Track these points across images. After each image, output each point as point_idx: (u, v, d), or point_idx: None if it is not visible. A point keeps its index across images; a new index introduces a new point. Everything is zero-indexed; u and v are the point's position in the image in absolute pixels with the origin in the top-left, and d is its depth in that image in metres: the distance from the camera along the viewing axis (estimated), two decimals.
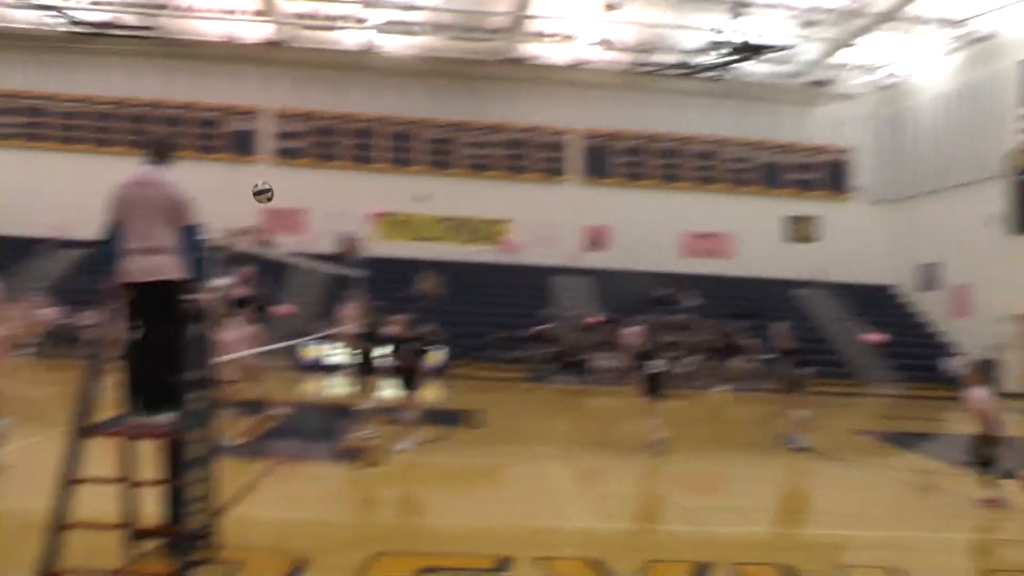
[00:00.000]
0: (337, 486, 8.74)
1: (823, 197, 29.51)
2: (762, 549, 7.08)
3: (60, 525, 5.02)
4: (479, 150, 28.78)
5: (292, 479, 9.13)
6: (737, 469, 11.17)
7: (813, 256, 27.95)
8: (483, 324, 24.26)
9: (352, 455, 10.47)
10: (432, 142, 28.68)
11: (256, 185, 7.89)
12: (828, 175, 29.63)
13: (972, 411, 9.06)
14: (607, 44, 26.44)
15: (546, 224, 28.43)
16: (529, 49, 27.38)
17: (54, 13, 25.37)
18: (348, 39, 27.00)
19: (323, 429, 13.43)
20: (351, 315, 16.57)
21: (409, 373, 10.87)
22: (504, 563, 6.13)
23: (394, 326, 11.22)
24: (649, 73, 27.60)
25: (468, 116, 28.78)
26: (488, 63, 27.59)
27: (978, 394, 9.02)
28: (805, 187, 29.53)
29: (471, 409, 14.84)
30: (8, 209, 27.45)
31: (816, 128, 29.65)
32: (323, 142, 28.53)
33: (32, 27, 26.89)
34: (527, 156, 28.89)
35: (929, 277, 27.08)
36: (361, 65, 27.88)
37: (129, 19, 25.95)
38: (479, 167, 28.69)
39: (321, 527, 7.06)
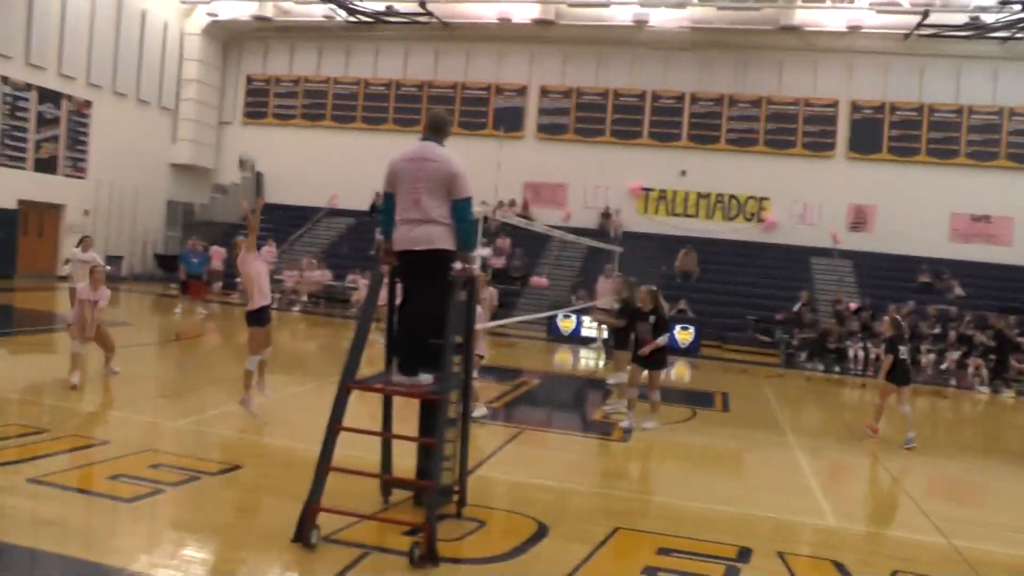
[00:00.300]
0: (581, 457, 8.93)
1: None
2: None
3: (324, 467, 5.54)
4: (743, 124, 27.82)
5: (538, 446, 9.45)
6: (1001, 481, 10.13)
7: None
8: (736, 304, 23.68)
9: (599, 428, 10.69)
10: (695, 116, 28.11)
11: (242, 157, 8.20)
12: None
13: None
14: (886, 5, 24.52)
15: (808, 202, 27.09)
16: (802, 16, 26.04)
17: (336, 6, 27.49)
18: (616, 15, 27.08)
19: (572, 400, 13.82)
20: (607, 289, 16.74)
21: (650, 350, 10.29)
22: (744, 554, 5.97)
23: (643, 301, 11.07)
24: (930, 36, 25.16)
25: (733, 89, 27.86)
26: (757, 32, 26.63)
27: None
28: None
29: (718, 391, 14.58)
30: (289, 181, 30.73)
31: None
32: (587, 117, 28.81)
33: (317, 20, 29.46)
34: (792, 130, 27.49)
35: None
36: (628, 40, 27.87)
37: (402, 7, 27.55)
38: (742, 142, 27.75)
39: (563, 495, 7.24)
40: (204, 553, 5.33)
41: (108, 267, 12.21)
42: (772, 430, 11.53)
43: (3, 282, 22.97)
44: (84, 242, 13.88)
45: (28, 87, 24.65)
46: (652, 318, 10.19)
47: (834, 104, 27.22)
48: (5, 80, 23.91)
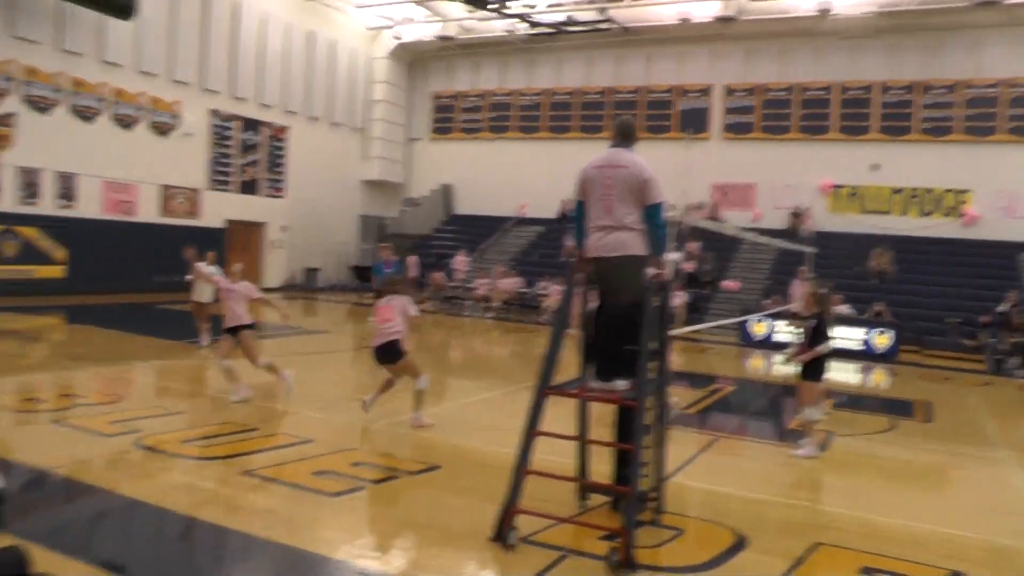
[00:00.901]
0: (777, 467, 8.62)
1: None
2: None
3: (522, 470, 5.65)
4: (937, 112, 25.95)
5: (733, 454, 9.23)
6: None
7: None
8: (936, 306, 22.09)
9: (795, 437, 10.30)
10: (886, 106, 26.54)
11: None
12: None
13: None
14: None
15: (1015, 193, 24.81)
16: None
17: (518, 20, 27.98)
18: (799, 6, 26.07)
19: (767, 408, 13.40)
20: (800, 292, 16.12)
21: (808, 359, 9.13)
22: None
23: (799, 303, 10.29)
24: None
25: (926, 75, 26.01)
26: (951, 11, 24.66)
27: None
28: None
29: (920, 400, 13.67)
30: (479, 193, 31.68)
31: None
32: (772, 114, 27.90)
33: (499, 35, 30.11)
34: (993, 115, 25.27)
35: None
36: (812, 31, 26.73)
37: (582, 15, 27.64)
38: (938, 131, 25.86)
39: (760, 507, 7.02)
40: (404, 547, 5.56)
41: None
42: (981, 445, 10.68)
43: (213, 294, 24.98)
44: (209, 257, 14.07)
45: (232, 117, 26.87)
46: (814, 322, 9.07)
47: None
48: (214, 113, 26.24)
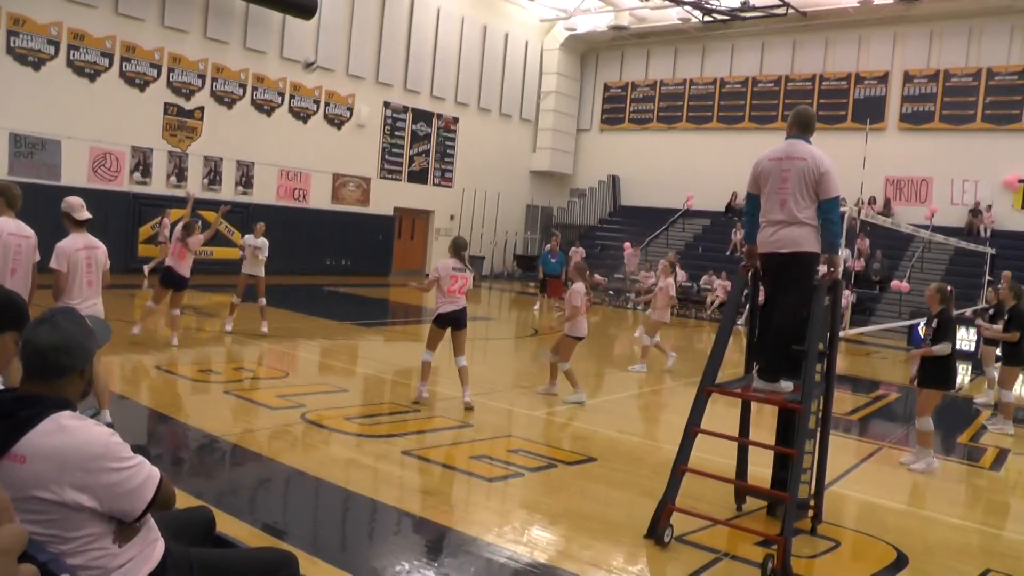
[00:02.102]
0: (945, 482, 8.10)
1: None
2: None
3: (681, 468, 5.56)
4: None
5: (897, 466, 8.77)
6: None
7: None
8: None
9: (967, 451, 9.69)
10: None
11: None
12: None
13: None
14: None
15: None
16: None
17: (692, 7, 27.40)
18: None
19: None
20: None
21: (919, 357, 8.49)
22: None
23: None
24: None
25: None
26: None
27: None
28: None
29: None
30: (646, 184, 31.40)
31: None
32: (955, 102, 25.97)
33: (673, 24, 29.66)
34: None
35: None
36: (1007, 9, 24.72)
37: (758, 1, 26.79)
38: None
39: (923, 523, 6.64)
40: (557, 536, 5.58)
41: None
42: None
43: (380, 278, 25.99)
44: (257, 228, 13.51)
45: (405, 109, 27.76)
46: (935, 321, 8.34)
47: None
48: (387, 105, 27.20)
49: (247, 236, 13.67)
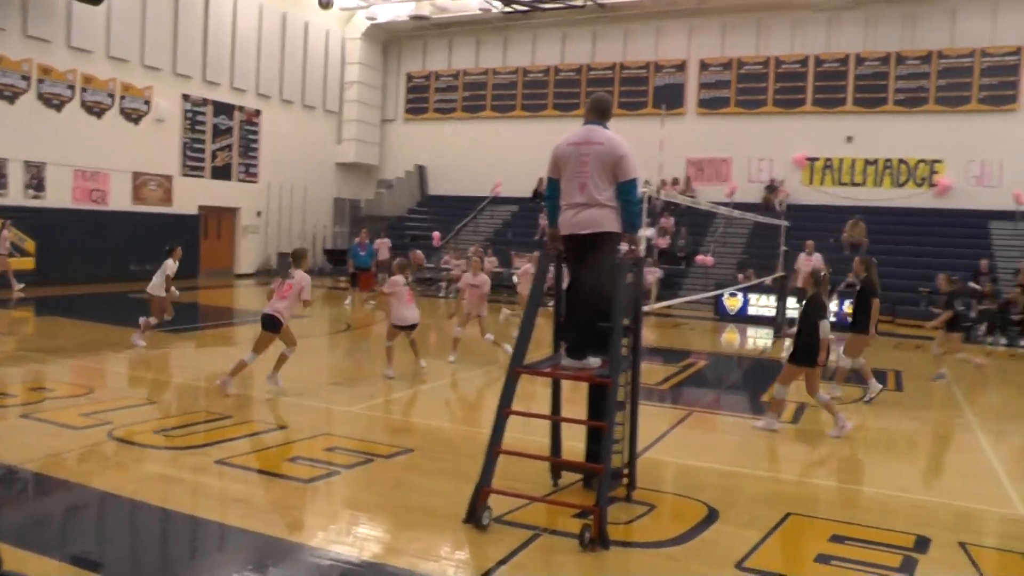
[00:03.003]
0: (750, 440, 8.68)
1: None
2: None
3: (495, 450, 5.65)
4: (912, 83, 25.93)
5: (707, 429, 9.31)
6: None
7: None
8: (909, 276, 22.26)
9: (769, 409, 10.39)
10: (861, 79, 26.55)
11: None
12: None
13: None
14: None
15: (986, 161, 24.94)
16: None
17: None
18: None
19: (741, 381, 13.50)
20: (808, 269, 16.02)
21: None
22: (922, 543, 5.65)
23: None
24: None
25: (901, 46, 26.01)
26: None
27: None
28: None
29: (890, 369, 13.72)
30: (453, 173, 31.65)
31: None
32: (748, 88, 27.86)
33: (474, 14, 29.93)
34: (967, 85, 25.28)
35: None
36: (790, 4, 26.72)
37: None
38: (911, 102, 25.90)
39: (733, 479, 7.10)
40: (379, 532, 5.57)
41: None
42: (951, 411, 10.86)
43: (188, 281, 24.77)
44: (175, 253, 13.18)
45: (205, 102, 26.58)
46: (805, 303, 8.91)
47: (1017, 52, 24.81)
48: (186, 98, 25.96)
49: (169, 262, 13.01)
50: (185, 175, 26.11)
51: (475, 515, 5.50)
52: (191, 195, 26.15)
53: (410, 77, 33.43)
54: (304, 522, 5.68)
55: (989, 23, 25.09)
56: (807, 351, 8.75)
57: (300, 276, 9.76)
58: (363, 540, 5.38)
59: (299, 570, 4.91)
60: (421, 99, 33.16)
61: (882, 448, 8.94)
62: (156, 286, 12.83)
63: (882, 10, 26.20)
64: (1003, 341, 18.47)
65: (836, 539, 5.71)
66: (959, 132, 25.10)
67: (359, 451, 7.40)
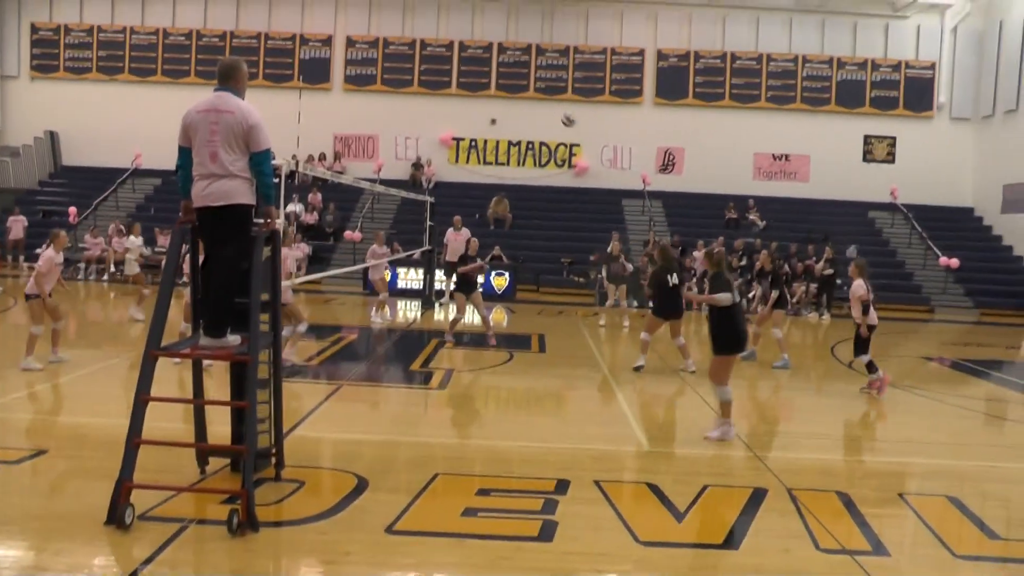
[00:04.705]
0: (403, 408, 8.97)
1: (902, 116, 28.34)
2: (818, 476, 7.05)
3: (134, 441, 5.26)
4: (551, 73, 28.44)
5: (358, 401, 9.41)
6: (804, 398, 11.11)
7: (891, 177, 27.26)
8: (551, 248, 24.36)
9: (420, 378, 10.76)
10: (504, 66, 28.42)
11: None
12: (909, 93, 28.24)
13: None
14: None
15: (618, 147, 28.31)
16: None
17: None
18: None
19: (392, 352, 13.80)
20: (459, 243, 16.57)
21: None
22: (562, 486, 6.21)
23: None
24: None
25: (541, 39, 28.46)
26: None
27: None
28: (885, 106, 28.28)
29: (534, 333, 14.98)
30: (88, 141, 28.60)
31: (898, 44, 28.31)
32: (395, 68, 28.51)
33: None
34: (600, 79, 28.44)
35: (1016, 198, 25.78)
36: None
37: None
38: (551, 90, 28.39)
39: (385, 448, 7.29)
40: (10, 548, 4.95)
41: None
42: (589, 367, 12.01)
43: None
44: None
45: None
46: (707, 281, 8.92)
47: (640, 53, 28.27)
48: None
49: None
50: None
51: (116, 514, 5.08)
52: None
53: (35, 28, 29.32)
54: None
55: (617, 26, 28.40)
56: (727, 339, 8.09)
57: None
58: (2, 562, 4.73)
59: None
60: (51, 55, 29.27)
61: (527, 405, 9.70)
62: None
63: (523, 5, 28.35)
64: (635, 303, 20.30)
65: (482, 492, 6.10)
66: (594, 119, 27.59)
67: None
